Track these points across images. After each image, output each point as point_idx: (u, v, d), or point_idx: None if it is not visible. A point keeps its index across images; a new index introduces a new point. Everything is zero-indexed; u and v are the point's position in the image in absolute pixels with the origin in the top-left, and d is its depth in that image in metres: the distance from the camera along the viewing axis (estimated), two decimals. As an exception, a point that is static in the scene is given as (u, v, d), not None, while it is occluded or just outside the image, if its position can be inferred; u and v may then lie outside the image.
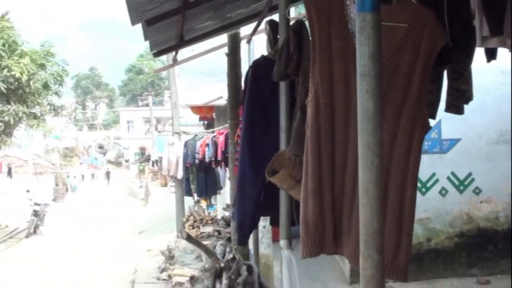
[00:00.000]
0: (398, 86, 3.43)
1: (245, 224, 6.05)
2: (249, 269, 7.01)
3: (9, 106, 24.03)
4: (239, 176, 5.97)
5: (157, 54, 8.70)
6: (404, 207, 3.51)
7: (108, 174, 77.09)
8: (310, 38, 3.78)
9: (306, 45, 4.63)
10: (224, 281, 6.65)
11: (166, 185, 46.92)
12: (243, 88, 6.40)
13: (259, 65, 5.72)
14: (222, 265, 6.86)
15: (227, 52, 8.52)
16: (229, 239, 9.42)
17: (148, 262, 19.15)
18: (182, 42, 7.85)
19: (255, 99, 5.67)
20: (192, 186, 18.76)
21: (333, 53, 3.57)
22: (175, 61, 10.09)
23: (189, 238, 7.26)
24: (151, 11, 5.84)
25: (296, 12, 9.88)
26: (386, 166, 3.38)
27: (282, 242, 5.30)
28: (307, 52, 4.60)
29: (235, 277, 6.62)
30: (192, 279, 7.51)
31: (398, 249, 3.54)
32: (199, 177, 18.24)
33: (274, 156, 4.87)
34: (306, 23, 4.28)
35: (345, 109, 3.53)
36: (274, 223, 5.62)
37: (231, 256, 7.06)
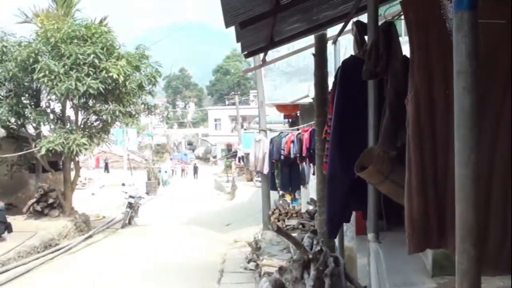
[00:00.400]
0: (498, 81, 3.32)
1: (335, 218, 6.00)
2: (336, 260, 6.95)
3: (107, 106, 24.49)
4: (329, 172, 5.93)
5: (248, 55, 8.73)
6: (509, 201, 3.40)
7: (195, 169, 78.00)
8: (408, 38, 3.70)
9: (395, 45, 4.55)
10: (312, 272, 6.61)
11: (251, 180, 47.00)
12: (331, 87, 6.34)
13: (348, 65, 5.67)
14: (310, 256, 6.81)
15: (313, 52, 8.47)
16: (313, 232, 9.35)
17: (236, 253, 19.25)
18: (272, 43, 7.85)
19: (344, 97, 5.62)
20: (277, 181, 18.77)
21: (431, 52, 3.49)
22: (264, 62, 10.11)
23: (279, 230, 7.24)
24: (244, 14, 5.85)
25: (381, 12, 9.74)
26: (489, 160, 3.29)
27: (370, 236, 5.25)
28: (396, 52, 4.52)
29: (322, 268, 6.57)
30: (281, 269, 7.48)
31: (504, 243, 3.43)
32: (284, 172, 18.22)
33: (363, 152, 4.82)
34: (398, 22, 4.21)
35: (445, 106, 3.44)
36: (365, 217, 5.55)
37: (318, 248, 7.01)
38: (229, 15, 5.51)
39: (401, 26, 6.86)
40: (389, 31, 4.61)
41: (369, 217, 5.24)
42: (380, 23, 5.04)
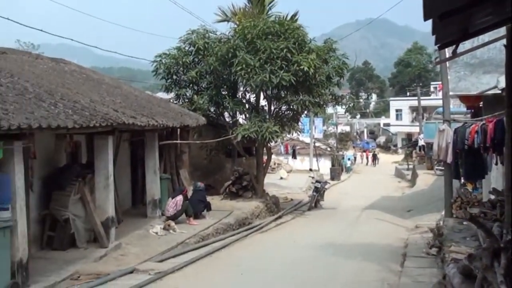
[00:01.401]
0: None
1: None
2: (526, 251, 6.55)
3: (297, 96, 24.75)
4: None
5: (442, 47, 8.45)
6: None
7: (374, 156, 77.77)
8: None
9: None
10: (503, 260, 6.28)
11: (432, 168, 45.73)
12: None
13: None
14: (501, 245, 6.47)
15: (505, 44, 8.05)
16: (496, 221, 8.87)
17: (417, 238, 18.78)
18: (466, 35, 7.52)
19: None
20: (461, 170, 18.07)
21: None
22: (454, 54, 9.72)
23: (472, 218, 6.95)
24: (442, 7, 5.64)
25: None
26: None
27: None
28: None
29: (513, 258, 6.22)
30: (470, 256, 7.17)
31: None
32: (468, 162, 17.48)
33: None
34: None
35: None
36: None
37: (509, 237, 6.64)
38: (428, 8, 5.33)
39: None
40: None
41: None
42: None
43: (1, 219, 10.59)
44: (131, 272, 12.88)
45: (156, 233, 17.44)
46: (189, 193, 21.21)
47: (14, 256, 10.85)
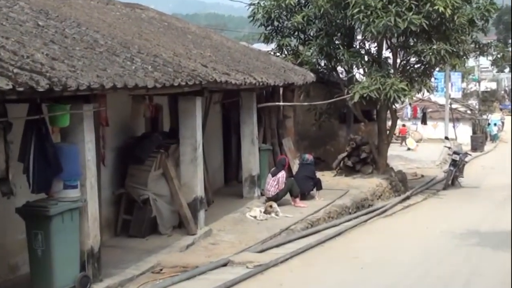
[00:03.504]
0: None
1: None
2: None
3: (430, 45, 23.83)
4: None
5: None
6: None
7: (519, 120, 76.13)
8: None
9: None
10: None
11: None
12: None
13: None
14: None
15: None
16: None
17: None
18: None
19: None
20: None
21: None
22: None
23: None
24: None
25: None
26: None
27: None
28: None
29: None
30: None
31: None
32: None
33: None
34: None
35: None
36: None
37: None
38: None
39: None
40: None
41: None
42: None
43: (69, 199, 10.62)
44: (225, 265, 12.95)
45: (255, 217, 17.50)
46: (294, 168, 21.14)
47: (83, 244, 10.94)
